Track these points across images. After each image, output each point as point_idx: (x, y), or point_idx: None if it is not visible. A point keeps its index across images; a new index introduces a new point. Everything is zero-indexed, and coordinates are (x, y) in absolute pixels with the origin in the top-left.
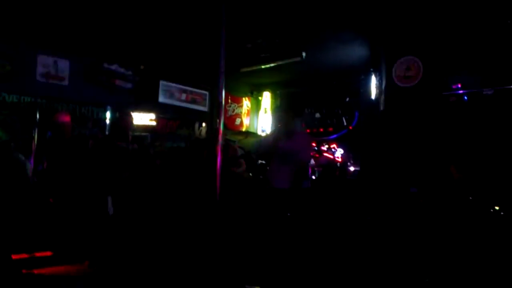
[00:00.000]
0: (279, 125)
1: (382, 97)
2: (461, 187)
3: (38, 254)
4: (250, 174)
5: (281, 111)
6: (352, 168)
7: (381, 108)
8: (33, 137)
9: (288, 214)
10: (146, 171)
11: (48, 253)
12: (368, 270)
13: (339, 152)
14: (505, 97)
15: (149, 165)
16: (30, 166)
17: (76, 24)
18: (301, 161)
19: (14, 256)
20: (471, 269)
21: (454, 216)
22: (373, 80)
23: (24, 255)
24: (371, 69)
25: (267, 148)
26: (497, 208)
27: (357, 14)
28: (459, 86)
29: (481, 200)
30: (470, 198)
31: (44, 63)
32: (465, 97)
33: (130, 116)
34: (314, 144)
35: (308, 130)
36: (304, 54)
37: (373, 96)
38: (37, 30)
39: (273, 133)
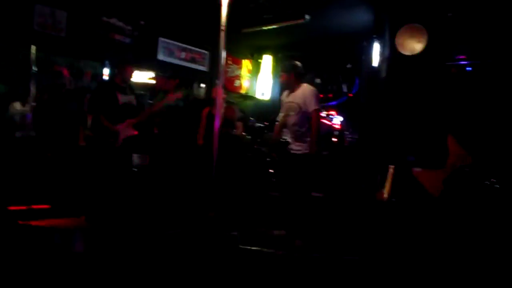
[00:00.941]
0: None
1: (384, 64)
2: (459, 158)
3: (35, 207)
4: (249, 136)
5: (282, 70)
6: (350, 136)
7: (383, 75)
8: (30, 89)
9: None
10: (146, 127)
11: (46, 206)
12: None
13: (337, 119)
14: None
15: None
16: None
17: None
18: (307, 112)
19: (11, 207)
20: (463, 242)
21: (448, 187)
22: (376, 47)
23: (22, 207)
24: (374, 36)
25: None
26: (493, 180)
27: None
28: (463, 57)
29: (478, 171)
30: (466, 169)
31: (41, 13)
32: (468, 68)
33: (128, 68)
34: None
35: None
36: (307, 17)
37: (375, 64)
38: None
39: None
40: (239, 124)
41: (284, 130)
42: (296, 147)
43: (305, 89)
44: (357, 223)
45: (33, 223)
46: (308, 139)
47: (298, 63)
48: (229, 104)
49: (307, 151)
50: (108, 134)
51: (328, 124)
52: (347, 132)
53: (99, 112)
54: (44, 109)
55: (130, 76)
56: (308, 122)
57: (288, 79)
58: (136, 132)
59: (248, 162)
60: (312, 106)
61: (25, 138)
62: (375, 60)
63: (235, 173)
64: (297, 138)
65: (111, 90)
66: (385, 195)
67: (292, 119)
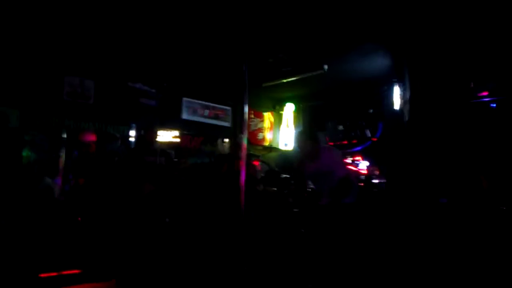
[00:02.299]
0: (300, 149)
1: (407, 107)
2: (492, 197)
3: (66, 272)
4: (274, 188)
5: (302, 136)
6: (376, 180)
7: (406, 118)
8: (60, 156)
9: (302, 230)
10: (173, 186)
11: (76, 271)
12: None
13: (363, 164)
14: None
15: (175, 180)
16: (57, 186)
17: (100, 45)
18: (340, 178)
19: (42, 275)
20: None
21: (486, 226)
22: (397, 91)
23: (53, 274)
24: (395, 80)
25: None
26: None
27: (378, 25)
28: (486, 94)
29: None
30: (503, 208)
31: (71, 83)
32: (493, 105)
33: (154, 131)
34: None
35: (331, 143)
36: (325, 67)
37: (397, 107)
38: (64, 54)
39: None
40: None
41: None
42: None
43: (330, 153)
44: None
45: None
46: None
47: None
48: (251, 159)
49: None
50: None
51: (354, 170)
52: (373, 176)
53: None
54: (73, 174)
55: (155, 138)
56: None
57: (311, 147)
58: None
59: (275, 215)
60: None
61: (56, 204)
62: (397, 104)
63: (265, 227)
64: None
65: (139, 154)
66: None
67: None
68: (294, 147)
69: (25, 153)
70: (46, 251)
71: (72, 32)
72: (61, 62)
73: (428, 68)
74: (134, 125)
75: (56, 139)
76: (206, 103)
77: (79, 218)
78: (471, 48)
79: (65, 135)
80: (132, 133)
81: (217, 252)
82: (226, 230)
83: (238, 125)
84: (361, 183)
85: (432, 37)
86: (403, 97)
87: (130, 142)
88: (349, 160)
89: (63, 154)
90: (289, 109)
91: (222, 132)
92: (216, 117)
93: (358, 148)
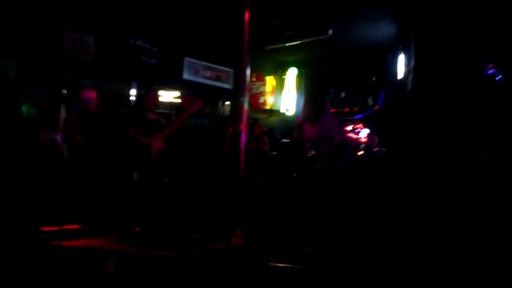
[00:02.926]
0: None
1: (411, 76)
2: (492, 169)
3: (66, 227)
4: (274, 152)
5: (304, 103)
6: (376, 149)
7: (409, 87)
8: (60, 112)
9: (301, 195)
10: (172, 147)
11: (77, 226)
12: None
13: (364, 133)
14: None
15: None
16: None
17: (101, 0)
18: (336, 144)
19: (44, 228)
20: (499, 252)
21: (484, 197)
22: (401, 59)
23: (54, 228)
24: (399, 48)
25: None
26: None
27: None
28: (491, 65)
29: None
30: (502, 179)
31: (71, 38)
32: (497, 77)
33: (156, 91)
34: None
35: (333, 110)
36: (330, 32)
37: (400, 76)
38: (64, 7)
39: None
40: (265, 140)
41: (307, 145)
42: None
43: (329, 118)
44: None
45: (65, 243)
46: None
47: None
48: (254, 121)
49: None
50: (142, 147)
51: (354, 138)
52: (373, 145)
53: (132, 127)
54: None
55: (157, 100)
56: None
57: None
58: (165, 145)
59: (275, 177)
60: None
61: (56, 161)
62: (401, 72)
63: (262, 190)
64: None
65: (141, 110)
66: None
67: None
68: (295, 112)
69: (24, 107)
70: (47, 206)
71: None
72: (60, 16)
73: (434, 37)
74: (134, 83)
75: (55, 94)
76: (208, 64)
77: (79, 174)
78: (478, 18)
79: (65, 91)
80: (133, 91)
81: (215, 212)
82: (225, 191)
83: (239, 88)
84: (361, 151)
85: (439, 6)
86: (407, 66)
87: (130, 100)
88: (349, 128)
89: (63, 110)
90: (292, 73)
91: (223, 94)
92: (218, 79)
93: (359, 116)
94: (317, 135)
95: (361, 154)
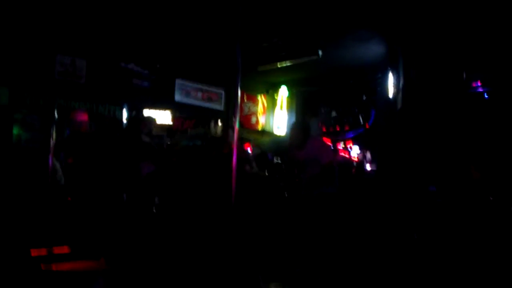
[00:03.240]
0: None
1: (400, 95)
2: (481, 187)
3: (56, 250)
4: (266, 173)
5: (293, 125)
6: (368, 167)
7: (399, 106)
8: (51, 135)
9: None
10: (165, 169)
11: (66, 249)
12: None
13: (355, 151)
14: None
15: (167, 163)
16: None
17: (93, 25)
18: (323, 165)
19: (34, 253)
20: (489, 269)
21: (473, 216)
22: (390, 79)
23: (43, 251)
24: (389, 68)
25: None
26: None
27: (374, 12)
28: (479, 84)
29: (502, 200)
30: (491, 198)
31: (62, 62)
32: (486, 95)
33: (154, 120)
34: (329, 144)
35: (324, 129)
36: (320, 52)
37: (390, 95)
38: (56, 32)
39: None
40: (253, 163)
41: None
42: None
43: (314, 142)
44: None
45: (55, 267)
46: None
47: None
48: (243, 142)
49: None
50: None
51: (346, 157)
52: (365, 162)
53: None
54: (64, 153)
55: (154, 126)
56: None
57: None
58: (154, 168)
59: (267, 199)
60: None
61: (47, 185)
62: (390, 91)
63: (255, 211)
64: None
65: (136, 133)
66: None
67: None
68: (286, 133)
69: (15, 131)
70: (37, 229)
71: (64, 10)
72: (52, 40)
73: (422, 57)
74: (126, 105)
75: (47, 118)
76: (199, 85)
77: (69, 198)
78: (465, 38)
79: (56, 115)
80: (124, 114)
81: (207, 234)
82: (217, 213)
83: (231, 108)
84: (352, 169)
85: (427, 26)
86: (396, 85)
87: (121, 122)
88: (341, 146)
89: (54, 133)
90: (283, 93)
91: (214, 115)
92: (209, 100)
93: (351, 135)
94: (304, 158)
95: (353, 172)
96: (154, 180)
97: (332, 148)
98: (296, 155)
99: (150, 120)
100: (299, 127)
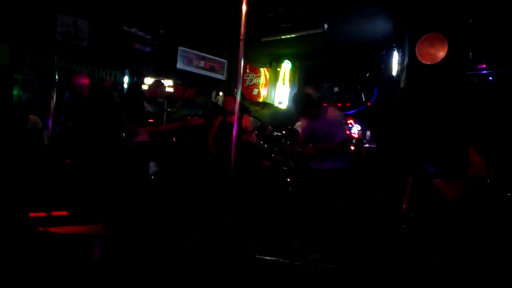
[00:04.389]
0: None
1: (404, 74)
2: (479, 169)
3: (54, 213)
4: (265, 145)
5: (299, 96)
6: (367, 145)
7: (402, 85)
8: (52, 97)
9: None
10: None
11: (65, 213)
12: (379, 247)
13: (355, 128)
14: None
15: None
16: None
17: None
18: (339, 142)
19: (31, 214)
20: (481, 252)
21: (469, 198)
22: (395, 56)
23: (42, 214)
24: (394, 45)
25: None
26: None
27: None
28: (484, 66)
29: (500, 183)
30: (488, 181)
31: (64, 22)
32: (490, 78)
33: (163, 86)
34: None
35: (325, 104)
36: (326, 25)
37: (394, 73)
38: None
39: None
40: (253, 134)
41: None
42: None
43: (329, 115)
44: (376, 234)
45: (53, 229)
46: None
47: (308, 92)
48: (243, 113)
49: (340, 167)
50: (125, 132)
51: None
52: (365, 141)
53: (122, 111)
54: (64, 117)
55: (159, 95)
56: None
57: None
58: (150, 140)
59: (264, 171)
60: (339, 136)
61: (45, 146)
62: (395, 69)
63: (252, 182)
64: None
65: (139, 98)
66: (404, 207)
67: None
68: (288, 106)
69: (15, 91)
70: (35, 192)
71: None
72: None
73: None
74: (127, 70)
75: (47, 80)
76: (202, 54)
77: (68, 161)
78: (472, 19)
79: (57, 76)
80: (125, 78)
81: (204, 200)
82: (216, 182)
83: (233, 79)
84: (351, 146)
85: (435, 4)
86: (400, 63)
87: (122, 88)
88: None
89: (54, 95)
90: (286, 66)
91: (216, 84)
92: (212, 69)
93: (352, 112)
94: (315, 131)
95: (352, 150)
96: (145, 150)
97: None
98: (304, 127)
99: (158, 85)
100: (307, 97)
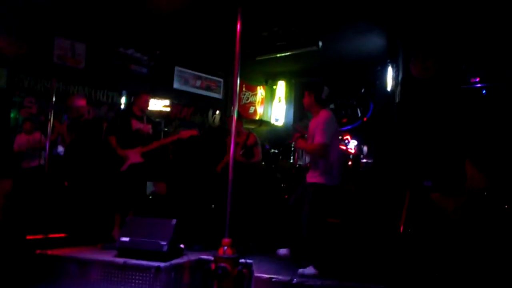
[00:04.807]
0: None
1: (398, 88)
2: (476, 182)
3: (52, 235)
4: (263, 163)
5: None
6: (364, 160)
7: (397, 100)
8: (49, 120)
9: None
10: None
11: (62, 235)
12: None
13: (352, 144)
14: None
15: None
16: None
17: (93, 9)
18: (313, 144)
19: (28, 237)
20: (481, 265)
21: (467, 211)
22: (390, 72)
23: (39, 236)
24: (388, 61)
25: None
26: None
27: (375, 4)
28: (477, 80)
29: (496, 196)
30: (485, 193)
31: (61, 45)
32: (484, 91)
33: (146, 96)
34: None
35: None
36: (320, 43)
37: (389, 88)
38: (55, 14)
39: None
40: (258, 150)
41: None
42: (310, 176)
43: (319, 116)
44: (374, 250)
45: (50, 251)
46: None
47: (324, 86)
48: (249, 131)
49: (319, 182)
50: (115, 157)
51: (343, 149)
52: (362, 156)
53: (110, 134)
54: (62, 139)
55: (147, 105)
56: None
57: (308, 100)
58: (142, 160)
59: (263, 189)
60: (316, 138)
61: (43, 168)
62: (389, 84)
63: (252, 201)
64: (312, 166)
65: (126, 116)
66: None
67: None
68: (285, 123)
69: (13, 115)
70: (33, 214)
71: None
72: (51, 22)
73: (422, 51)
74: (124, 92)
75: (45, 102)
76: (199, 73)
77: (66, 183)
78: (466, 34)
79: (54, 99)
80: (122, 100)
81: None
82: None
83: (229, 97)
84: (348, 162)
85: (427, 20)
86: (395, 78)
87: (119, 109)
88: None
89: (51, 118)
90: (282, 84)
91: (213, 103)
92: (208, 88)
93: (348, 127)
94: (309, 129)
95: (350, 165)
96: (139, 171)
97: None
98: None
99: (140, 97)
100: (314, 87)
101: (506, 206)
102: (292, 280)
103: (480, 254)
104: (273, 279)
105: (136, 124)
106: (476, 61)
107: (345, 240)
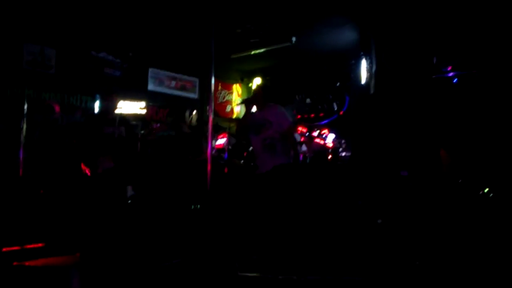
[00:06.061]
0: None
1: (373, 81)
2: (451, 170)
3: (29, 246)
4: (241, 161)
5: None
6: (343, 153)
7: (372, 91)
8: (22, 128)
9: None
10: (134, 159)
11: (40, 245)
12: (359, 253)
13: (330, 138)
14: (495, 79)
15: (137, 152)
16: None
17: (63, 12)
18: (279, 133)
19: (4, 249)
20: (459, 252)
21: (443, 198)
22: (364, 64)
23: (15, 248)
24: (361, 53)
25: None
26: (486, 190)
27: None
28: (449, 68)
29: (471, 182)
30: (460, 180)
31: (31, 51)
32: (455, 80)
33: (113, 99)
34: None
35: (299, 116)
36: (294, 39)
37: (363, 81)
38: (23, 19)
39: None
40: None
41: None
42: None
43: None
44: (354, 241)
45: (28, 263)
46: None
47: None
48: (219, 132)
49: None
50: (87, 164)
51: (321, 143)
52: (340, 148)
53: (80, 142)
54: (36, 146)
55: (115, 107)
56: None
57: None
58: (113, 165)
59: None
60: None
61: (17, 177)
62: (364, 77)
63: (230, 199)
64: None
65: (96, 122)
66: None
67: None
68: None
69: None
70: (8, 225)
71: None
72: (20, 28)
73: (393, 42)
74: (98, 95)
75: (16, 109)
76: (173, 74)
77: (41, 191)
78: (436, 24)
79: (26, 106)
80: (96, 104)
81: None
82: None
83: (205, 97)
84: (327, 156)
85: (398, 12)
86: (369, 70)
87: (93, 113)
88: (316, 133)
89: (24, 125)
90: (258, 82)
91: (189, 103)
92: (183, 89)
93: (325, 121)
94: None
95: (329, 159)
96: (112, 176)
97: (307, 134)
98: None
99: (109, 100)
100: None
101: (480, 193)
102: (276, 276)
103: (458, 241)
104: (257, 277)
105: (106, 129)
106: (448, 50)
107: (326, 233)
